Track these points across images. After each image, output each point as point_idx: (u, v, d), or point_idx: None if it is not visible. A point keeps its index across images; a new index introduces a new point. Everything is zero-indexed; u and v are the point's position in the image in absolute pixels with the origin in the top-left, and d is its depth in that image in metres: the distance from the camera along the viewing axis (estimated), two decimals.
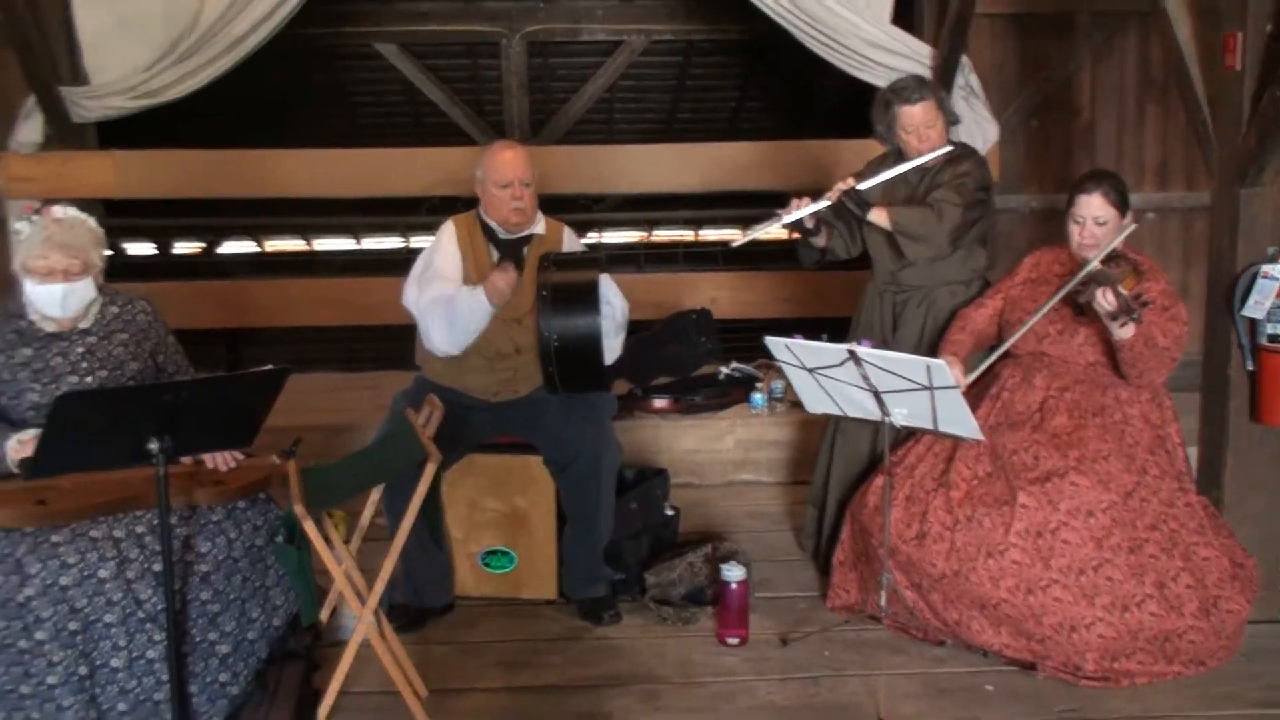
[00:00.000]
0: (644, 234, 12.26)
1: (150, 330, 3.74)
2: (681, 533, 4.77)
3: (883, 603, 3.93)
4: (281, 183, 7.00)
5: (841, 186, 4.29)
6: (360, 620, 3.41)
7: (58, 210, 3.60)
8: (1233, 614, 3.79)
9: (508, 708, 3.68)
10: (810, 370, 3.88)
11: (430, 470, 3.41)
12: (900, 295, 4.49)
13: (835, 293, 6.48)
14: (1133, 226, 3.98)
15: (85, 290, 3.58)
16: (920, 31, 6.60)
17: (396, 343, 4.55)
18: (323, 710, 3.43)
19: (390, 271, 4.41)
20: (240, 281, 9.42)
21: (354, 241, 12.19)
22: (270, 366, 3.22)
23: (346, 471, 3.66)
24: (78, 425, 2.97)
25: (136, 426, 2.99)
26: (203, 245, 11.95)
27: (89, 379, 3.52)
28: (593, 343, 4.06)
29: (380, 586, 3.45)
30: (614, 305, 4.29)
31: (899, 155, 4.43)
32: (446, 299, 4.14)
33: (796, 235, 4.59)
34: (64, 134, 6.39)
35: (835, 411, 4.01)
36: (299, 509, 3.19)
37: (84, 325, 3.61)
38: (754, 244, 4.65)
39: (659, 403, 5.85)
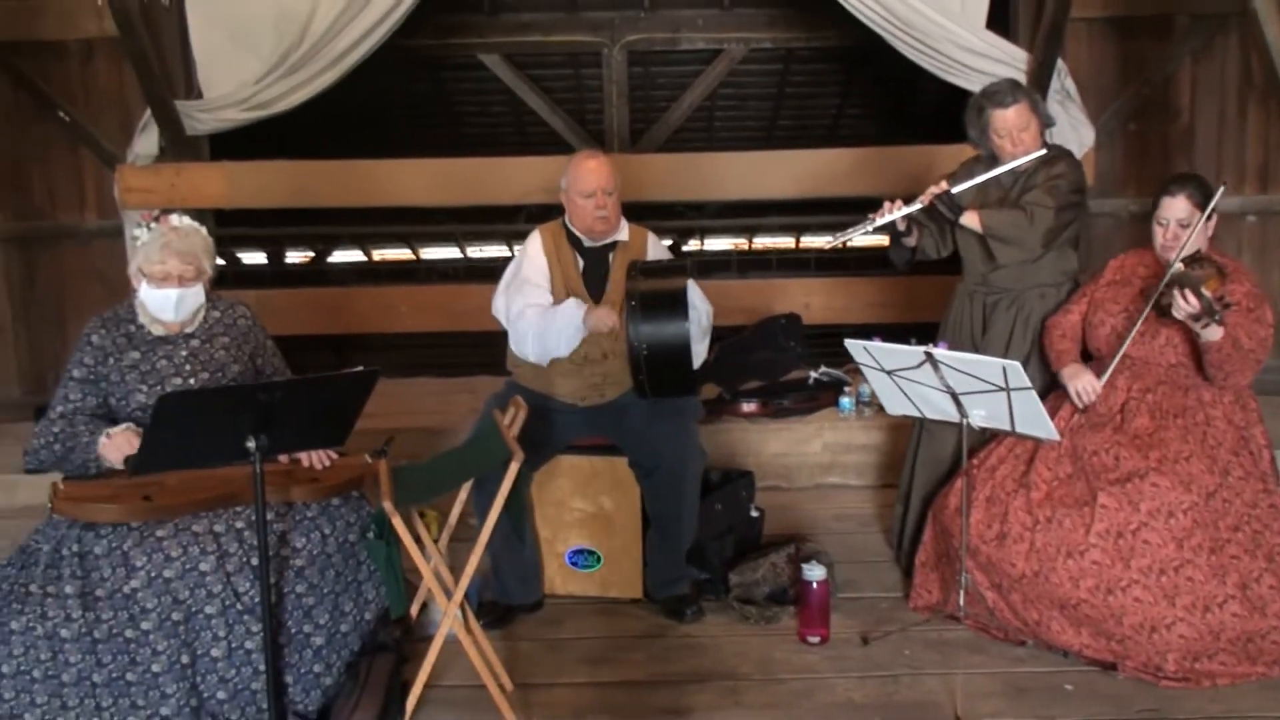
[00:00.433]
0: (744, 241, 12.29)
1: (250, 334, 3.90)
2: (767, 534, 4.83)
3: (961, 602, 3.95)
4: (385, 192, 7.15)
5: (934, 190, 4.30)
6: (445, 614, 3.52)
7: (174, 218, 3.79)
8: None
9: (591, 702, 3.75)
10: (889, 372, 3.92)
11: (514, 468, 3.50)
12: (990, 297, 4.50)
13: (926, 298, 6.48)
14: (1201, 221, 3.95)
15: (196, 296, 3.76)
16: (1015, 36, 6.59)
17: (492, 348, 4.67)
18: (411, 701, 3.54)
19: (488, 279, 4.54)
20: (344, 289, 9.64)
21: (458, 251, 12.39)
22: (361, 368, 3.32)
23: (434, 470, 3.79)
24: (179, 424, 3.09)
25: (234, 425, 3.10)
26: (312, 254, 12.25)
27: (192, 380, 3.68)
28: (682, 350, 4.09)
29: (465, 581, 3.55)
30: (699, 310, 4.34)
31: (992, 159, 4.43)
32: (545, 311, 4.24)
33: (888, 239, 4.62)
34: (178, 146, 6.60)
35: (914, 413, 4.04)
36: (388, 505, 3.32)
37: (189, 330, 3.78)
38: (846, 250, 4.68)
39: (747, 406, 5.91)
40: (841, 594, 4.43)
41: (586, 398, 4.38)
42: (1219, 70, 6.84)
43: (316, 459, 3.73)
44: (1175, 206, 3.98)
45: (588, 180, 4.28)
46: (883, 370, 3.93)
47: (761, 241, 12.03)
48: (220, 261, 4.04)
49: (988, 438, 4.21)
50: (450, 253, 12.40)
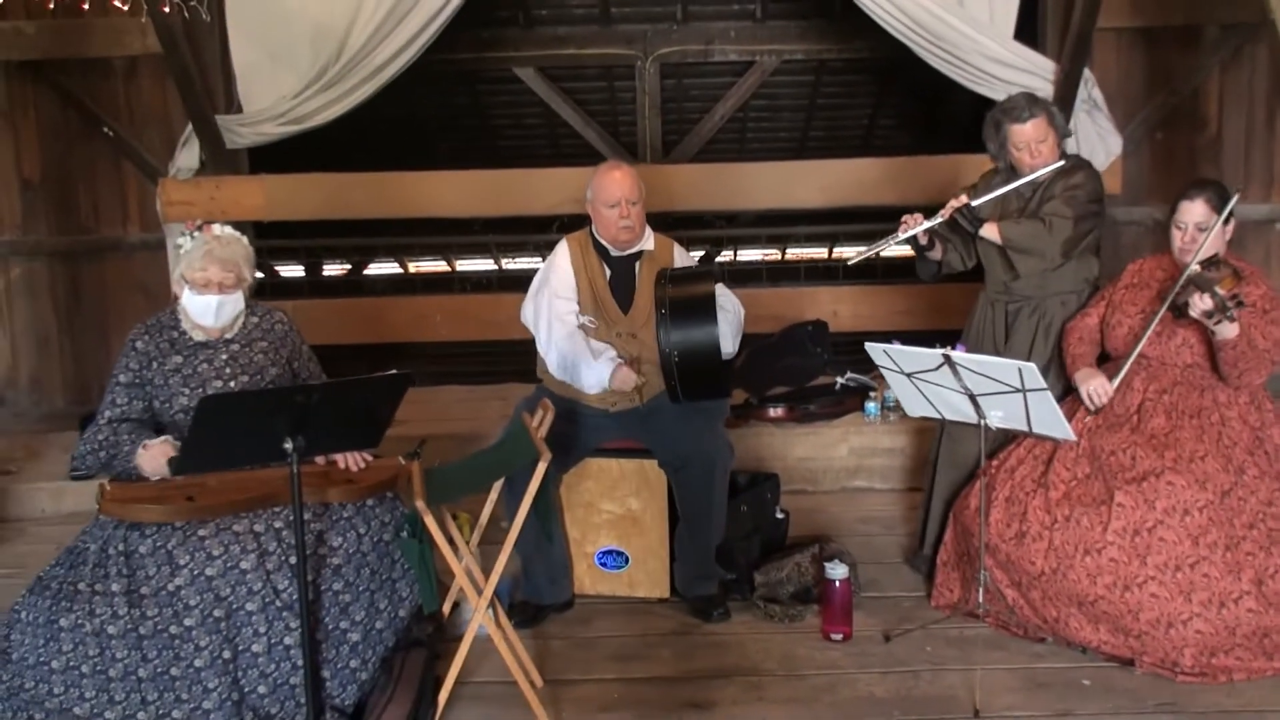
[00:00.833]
0: (777, 253, 12.33)
1: (287, 339, 4.03)
2: (792, 536, 4.91)
3: (980, 599, 4.03)
4: (420, 203, 7.28)
5: (954, 204, 4.36)
6: (476, 610, 3.63)
7: (216, 228, 3.93)
8: None
9: (618, 697, 3.86)
10: (908, 375, 4.00)
11: (541, 468, 3.60)
12: (1012, 305, 4.57)
13: (951, 305, 6.53)
14: (1218, 224, 4.02)
15: (236, 302, 3.90)
16: (1043, 46, 6.63)
17: (523, 357, 4.78)
18: (443, 696, 3.65)
19: (520, 289, 4.64)
20: (379, 299, 9.78)
21: (493, 263, 12.51)
22: (394, 372, 3.43)
23: (465, 471, 3.92)
24: (219, 425, 3.20)
25: (272, 426, 3.20)
26: (349, 267, 12.40)
27: (232, 384, 3.81)
28: (713, 355, 4.18)
29: (495, 578, 3.66)
30: (729, 309, 4.45)
31: (1011, 171, 4.50)
32: (576, 342, 4.37)
33: (913, 252, 4.70)
34: (218, 160, 6.72)
35: (934, 415, 4.12)
36: (420, 505, 3.43)
37: (229, 335, 3.91)
38: (875, 258, 4.74)
39: (775, 411, 6.00)
40: (865, 593, 4.52)
41: (617, 403, 4.47)
42: (1247, 80, 6.92)
43: (352, 461, 3.85)
44: (1193, 210, 4.06)
45: (612, 190, 4.38)
46: (903, 373, 4.02)
47: (794, 252, 12.07)
48: (259, 274, 4.17)
49: (1005, 439, 4.29)
50: (485, 264, 12.51)
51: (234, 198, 6.82)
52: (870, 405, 6.03)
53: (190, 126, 6.63)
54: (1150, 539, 3.79)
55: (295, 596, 3.48)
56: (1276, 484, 3.95)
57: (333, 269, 12.43)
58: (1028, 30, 6.61)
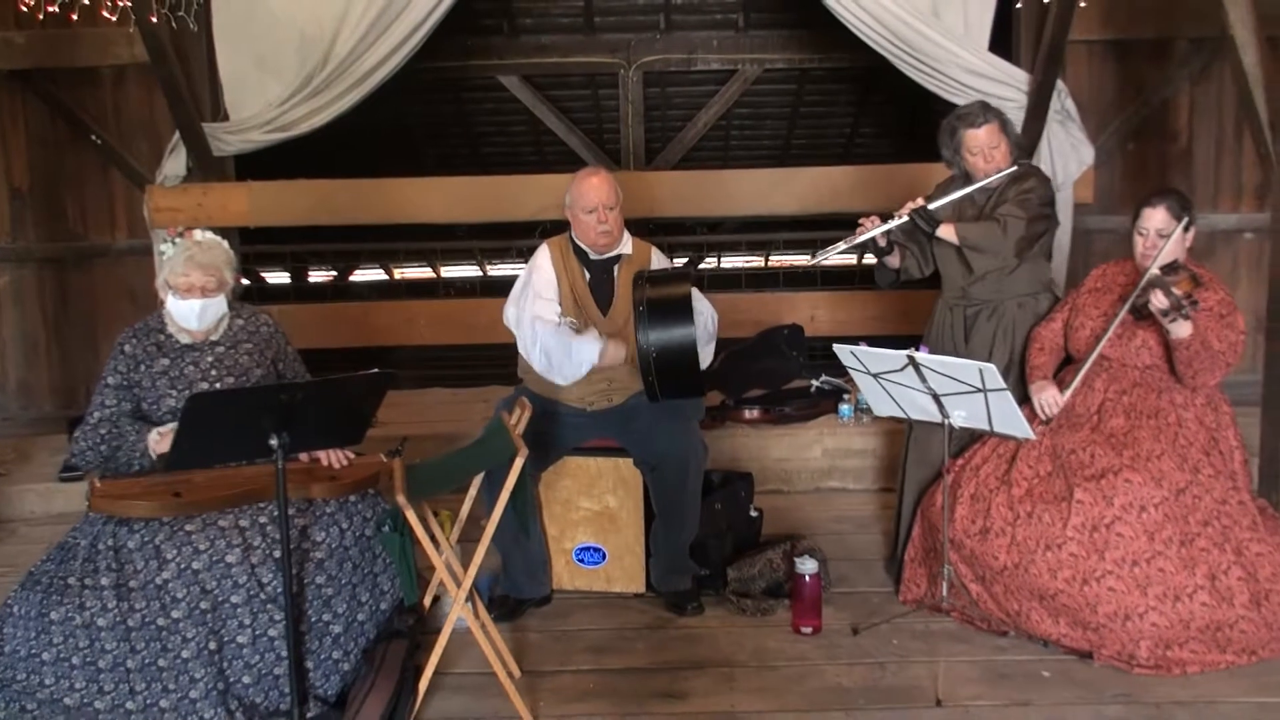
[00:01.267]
0: (759, 259, 12.42)
1: (272, 341, 4.14)
2: (766, 534, 5.02)
3: (944, 593, 4.14)
4: (403, 209, 7.34)
5: (911, 205, 4.50)
6: (455, 602, 3.74)
7: (197, 233, 4.03)
8: None
9: (593, 687, 3.97)
10: (875, 376, 4.12)
11: (518, 463, 3.71)
12: (971, 309, 4.67)
13: (923, 310, 6.46)
14: (1178, 229, 4.14)
15: (219, 305, 4.00)
16: (1017, 58, 6.73)
17: (505, 360, 4.88)
18: (422, 684, 3.75)
19: (503, 293, 4.74)
20: (364, 304, 9.85)
21: (478, 269, 12.60)
22: (375, 370, 3.54)
23: (444, 467, 4.04)
24: (206, 423, 3.31)
25: (257, 424, 3.30)
26: (335, 273, 12.49)
27: (218, 384, 3.92)
28: (689, 352, 4.28)
29: (473, 569, 3.76)
30: (704, 315, 4.55)
31: (966, 178, 4.62)
32: (560, 333, 4.43)
33: (873, 259, 4.81)
34: (205, 167, 6.80)
35: (900, 415, 4.24)
36: (400, 499, 3.54)
37: (214, 337, 4.02)
38: (856, 265, 4.81)
39: (750, 413, 6.11)
40: (835, 589, 4.64)
41: (594, 403, 4.58)
42: (1216, 93, 7.04)
43: (335, 458, 3.97)
44: (1155, 217, 4.18)
45: (589, 196, 4.49)
46: (870, 374, 4.14)
47: (777, 259, 12.17)
48: (245, 281, 4.26)
49: (973, 438, 4.41)
50: (470, 270, 12.61)
51: (220, 204, 6.89)
52: (844, 407, 6.16)
53: (177, 134, 6.71)
54: (1108, 534, 3.92)
55: (279, 589, 3.60)
56: (1230, 483, 4.09)
57: (319, 275, 12.52)
58: (1002, 42, 6.71)
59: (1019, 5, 6.45)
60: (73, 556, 3.70)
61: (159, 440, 3.79)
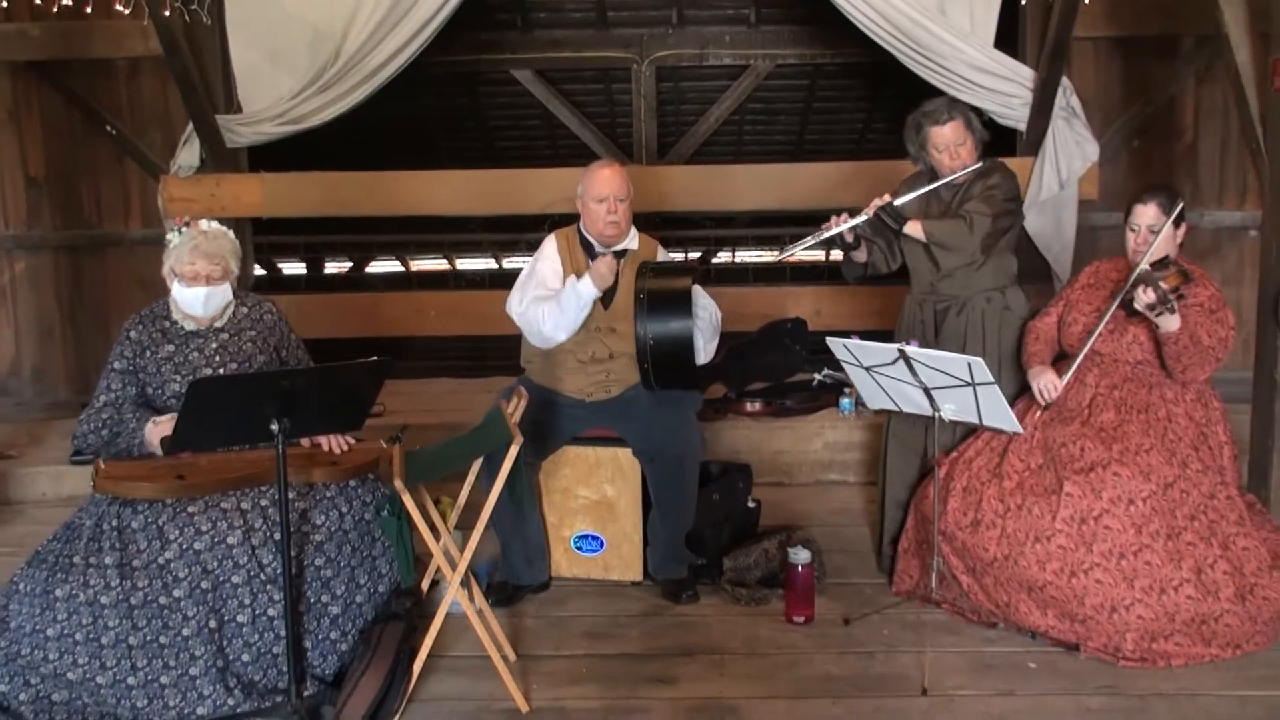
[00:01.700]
0: (773, 253, 12.43)
1: (276, 328, 4.22)
2: (764, 525, 5.06)
3: (934, 584, 4.20)
4: (413, 201, 7.43)
5: (878, 202, 4.53)
6: (450, 585, 3.81)
7: (203, 223, 4.12)
8: (1270, 601, 4.00)
9: (586, 672, 4.04)
10: (867, 369, 4.18)
11: (514, 450, 3.78)
12: (940, 304, 4.68)
13: None
14: (1167, 225, 4.18)
15: (224, 293, 4.08)
16: (1022, 55, 6.78)
17: (512, 351, 4.94)
18: (417, 665, 3.82)
19: (511, 286, 4.80)
20: (375, 294, 9.92)
21: (493, 261, 12.66)
22: (375, 358, 3.60)
23: (442, 453, 4.12)
24: (208, 407, 3.38)
25: (259, 409, 3.37)
26: (350, 264, 12.57)
27: (221, 370, 3.99)
28: (685, 343, 4.36)
29: (468, 554, 3.83)
30: (706, 310, 4.61)
31: (932, 174, 4.66)
32: (555, 292, 4.52)
33: (840, 255, 4.84)
34: (218, 158, 6.89)
35: (892, 407, 4.30)
36: (398, 484, 3.61)
37: (219, 324, 4.10)
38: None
39: (752, 406, 6.17)
40: (830, 580, 4.69)
41: (593, 394, 4.65)
42: (1221, 90, 7.03)
43: (335, 443, 4.04)
44: (1145, 213, 4.23)
45: (602, 186, 4.55)
46: (862, 366, 4.19)
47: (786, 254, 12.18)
48: (259, 270, 4.34)
49: (967, 432, 4.46)
50: (486, 262, 12.67)
51: (233, 194, 6.98)
52: (845, 401, 6.20)
53: (191, 125, 6.80)
54: (1096, 527, 3.97)
55: (279, 570, 3.67)
56: (1218, 478, 4.14)
57: (335, 266, 12.61)
58: (1008, 39, 6.74)
59: (1024, 2, 6.48)
60: (78, 536, 3.78)
61: (156, 429, 3.85)
